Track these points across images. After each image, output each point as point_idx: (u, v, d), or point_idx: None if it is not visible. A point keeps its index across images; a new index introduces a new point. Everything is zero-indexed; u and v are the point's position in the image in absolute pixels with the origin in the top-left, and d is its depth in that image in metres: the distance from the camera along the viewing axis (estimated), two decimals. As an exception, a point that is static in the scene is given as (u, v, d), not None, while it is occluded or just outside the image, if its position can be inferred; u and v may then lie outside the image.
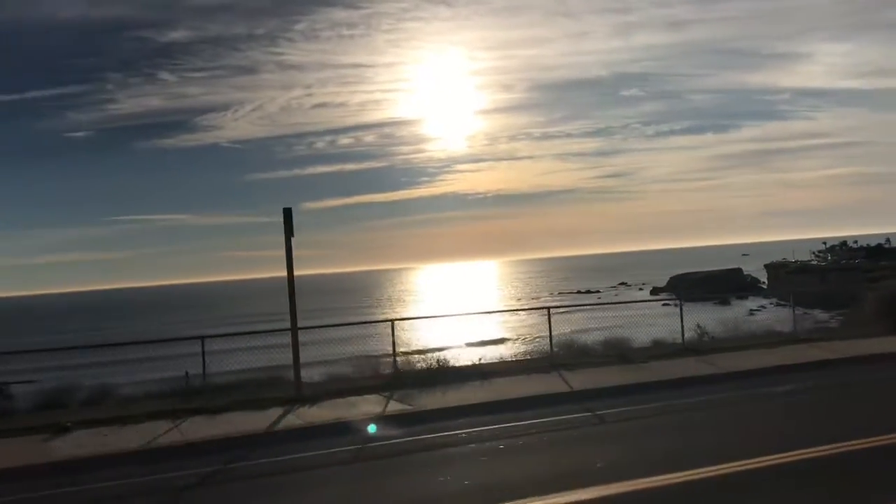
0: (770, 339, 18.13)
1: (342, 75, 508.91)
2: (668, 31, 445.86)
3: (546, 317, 16.88)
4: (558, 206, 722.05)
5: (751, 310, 53.36)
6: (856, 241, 64.15)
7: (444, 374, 14.63)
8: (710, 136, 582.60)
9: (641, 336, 18.75)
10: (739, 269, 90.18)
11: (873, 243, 61.40)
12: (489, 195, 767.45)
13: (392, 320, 15.67)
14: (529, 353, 20.38)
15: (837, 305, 38.01)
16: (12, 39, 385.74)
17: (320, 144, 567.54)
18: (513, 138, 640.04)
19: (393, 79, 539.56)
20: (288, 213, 13.07)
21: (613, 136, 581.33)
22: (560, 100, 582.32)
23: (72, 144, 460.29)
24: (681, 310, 18.16)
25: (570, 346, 17.81)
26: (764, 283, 79.28)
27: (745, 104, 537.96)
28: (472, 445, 9.48)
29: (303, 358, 13.53)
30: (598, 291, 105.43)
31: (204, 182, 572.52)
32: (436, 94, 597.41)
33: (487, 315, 57.79)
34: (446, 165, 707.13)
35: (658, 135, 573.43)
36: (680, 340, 17.61)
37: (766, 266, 78.11)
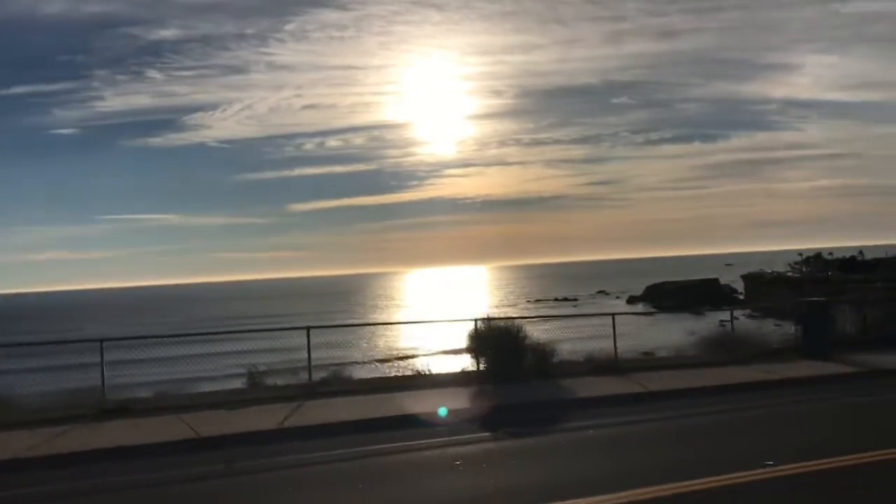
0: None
1: (332, 77, 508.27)
2: (659, 39, 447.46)
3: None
4: (547, 213, 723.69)
5: (721, 321, 52.21)
6: (830, 253, 63.49)
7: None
8: (698, 146, 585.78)
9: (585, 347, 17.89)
10: (716, 280, 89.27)
11: (848, 255, 60.89)
12: (478, 200, 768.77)
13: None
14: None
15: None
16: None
17: (309, 146, 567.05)
18: (502, 144, 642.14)
19: (383, 81, 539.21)
20: None
21: (602, 143, 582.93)
22: (550, 106, 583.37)
23: (58, 142, 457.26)
24: (613, 327, 17.63)
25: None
26: (741, 293, 78.22)
27: (734, 114, 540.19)
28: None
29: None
30: (575, 299, 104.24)
31: (191, 182, 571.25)
32: (426, 97, 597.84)
33: (413, 325, 52.56)
34: (435, 170, 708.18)
35: (647, 143, 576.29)
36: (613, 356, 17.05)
37: (742, 277, 77.19)
